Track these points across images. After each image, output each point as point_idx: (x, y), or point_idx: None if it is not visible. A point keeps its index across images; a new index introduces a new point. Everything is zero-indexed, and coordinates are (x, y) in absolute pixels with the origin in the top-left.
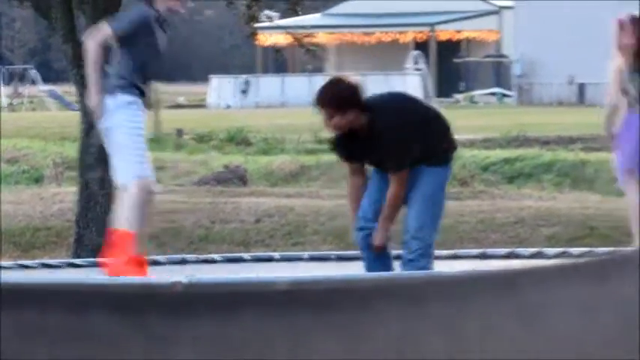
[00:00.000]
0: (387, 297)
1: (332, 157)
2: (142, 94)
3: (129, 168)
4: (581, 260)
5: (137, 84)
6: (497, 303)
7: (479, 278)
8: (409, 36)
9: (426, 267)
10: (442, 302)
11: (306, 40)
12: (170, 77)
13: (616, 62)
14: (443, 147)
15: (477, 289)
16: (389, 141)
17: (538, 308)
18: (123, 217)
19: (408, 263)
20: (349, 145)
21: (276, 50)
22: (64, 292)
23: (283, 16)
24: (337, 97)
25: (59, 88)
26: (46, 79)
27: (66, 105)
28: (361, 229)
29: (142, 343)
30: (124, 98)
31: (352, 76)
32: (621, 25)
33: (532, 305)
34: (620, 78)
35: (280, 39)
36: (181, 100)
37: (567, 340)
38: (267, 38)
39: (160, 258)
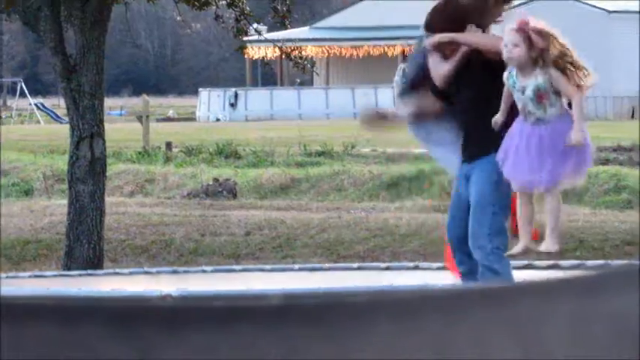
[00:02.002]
0: (379, 310)
1: (321, 170)
2: None
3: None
4: (573, 273)
5: None
6: (487, 317)
7: (470, 292)
8: (397, 49)
9: (499, 271)
10: (433, 316)
11: (294, 53)
12: (159, 90)
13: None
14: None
15: (468, 302)
16: None
17: (529, 322)
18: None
19: (482, 274)
20: None
21: (265, 63)
22: (54, 305)
23: (271, 29)
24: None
25: (48, 101)
26: (35, 92)
27: (55, 118)
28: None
29: (132, 355)
30: None
31: None
32: (515, 33)
33: (523, 319)
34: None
35: (269, 52)
36: (171, 113)
37: (558, 354)
38: (256, 52)
39: (151, 270)
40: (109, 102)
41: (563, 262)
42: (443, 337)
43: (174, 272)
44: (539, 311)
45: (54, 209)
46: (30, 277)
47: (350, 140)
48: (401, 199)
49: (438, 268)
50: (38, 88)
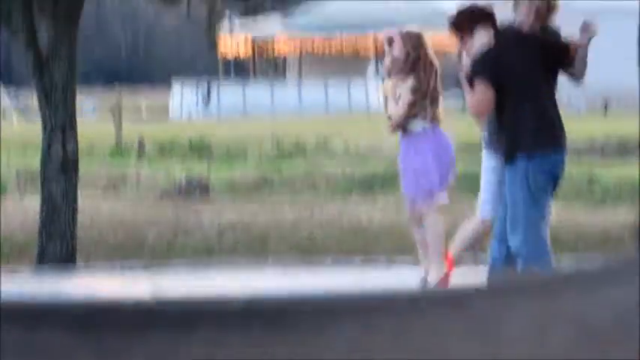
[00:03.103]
0: (340, 312)
1: (294, 168)
2: None
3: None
4: (532, 275)
5: None
6: (447, 318)
7: (429, 293)
8: (370, 45)
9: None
10: (392, 317)
11: (267, 48)
12: (133, 84)
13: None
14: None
15: (428, 304)
16: None
17: (488, 324)
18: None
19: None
20: None
21: (238, 59)
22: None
23: (244, 25)
24: None
25: (21, 97)
26: (8, 87)
27: (27, 115)
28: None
29: (96, 357)
30: None
31: None
32: (389, 40)
33: (482, 321)
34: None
35: (241, 48)
36: (143, 109)
37: (518, 357)
38: (229, 47)
39: (123, 269)
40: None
41: None
42: (403, 337)
43: (147, 270)
44: (498, 313)
45: (27, 208)
46: (3, 274)
47: (323, 136)
48: (374, 196)
49: (410, 266)
50: (10, 83)
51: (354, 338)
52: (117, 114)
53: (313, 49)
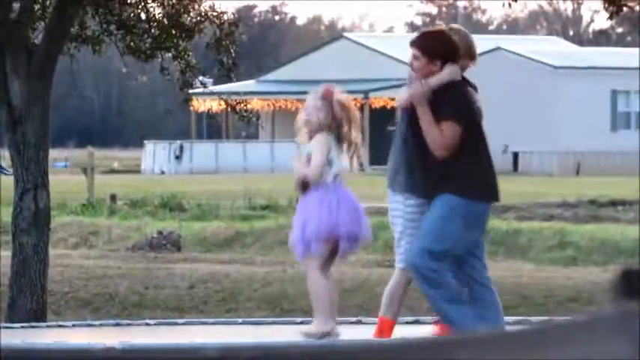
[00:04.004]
0: None
1: (266, 224)
2: None
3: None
4: (515, 328)
5: None
6: None
7: (410, 345)
8: None
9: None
10: None
11: (240, 106)
12: (105, 142)
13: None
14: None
15: (409, 355)
16: None
17: None
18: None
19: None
20: None
21: (210, 116)
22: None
23: (217, 82)
24: None
25: None
26: None
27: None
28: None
29: None
30: None
31: None
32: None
33: None
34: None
35: (214, 105)
36: (115, 165)
37: None
38: (202, 104)
39: (94, 323)
40: (54, 153)
41: (505, 318)
42: None
43: (118, 325)
44: None
45: None
46: None
47: (294, 194)
48: None
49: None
50: None
51: None
52: (89, 169)
53: (286, 106)
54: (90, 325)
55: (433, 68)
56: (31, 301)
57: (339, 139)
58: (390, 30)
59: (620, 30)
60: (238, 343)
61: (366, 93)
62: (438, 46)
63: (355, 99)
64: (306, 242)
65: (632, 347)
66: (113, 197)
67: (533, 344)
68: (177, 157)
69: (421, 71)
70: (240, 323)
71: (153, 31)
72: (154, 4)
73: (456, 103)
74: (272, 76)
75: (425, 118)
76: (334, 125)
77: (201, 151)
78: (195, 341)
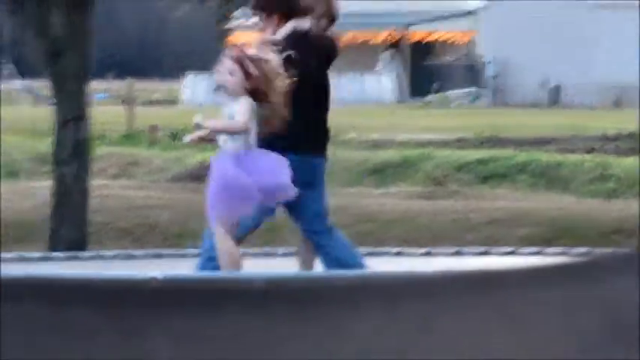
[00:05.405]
0: (364, 294)
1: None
2: None
3: None
4: (561, 261)
5: None
6: (474, 303)
7: (456, 278)
8: (382, 36)
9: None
10: (418, 301)
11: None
12: (144, 73)
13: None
14: None
15: (454, 288)
16: None
17: (516, 309)
18: None
19: None
20: None
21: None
22: (40, 286)
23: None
24: None
25: (34, 83)
26: (21, 74)
27: (41, 100)
28: None
29: (118, 337)
30: None
31: None
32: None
33: (511, 306)
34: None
35: (254, 38)
36: (155, 96)
37: (547, 341)
38: (240, 38)
39: (136, 253)
40: (93, 84)
41: (548, 250)
42: (428, 321)
43: (159, 255)
44: (527, 297)
45: (38, 191)
46: (13, 258)
47: (335, 126)
48: (385, 185)
49: (422, 255)
50: (24, 70)
51: (376, 320)
52: (129, 100)
53: None
54: (130, 256)
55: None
56: (71, 231)
57: (258, 100)
58: None
59: None
60: (284, 273)
61: (405, 26)
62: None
63: (395, 32)
64: (212, 210)
65: None
66: (153, 128)
67: (580, 277)
68: (217, 89)
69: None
70: (281, 255)
71: None
72: None
73: None
74: None
75: None
76: (252, 87)
77: None
78: (236, 272)
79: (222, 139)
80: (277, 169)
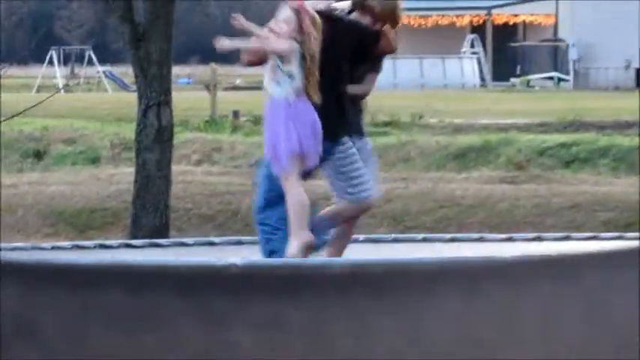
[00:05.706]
0: (445, 279)
1: (388, 140)
2: None
3: None
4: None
5: None
6: (557, 287)
7: (538, 262)
8: (466, 19)
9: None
10: (500, 285)
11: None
12: (227, 59)
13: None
14: None
15: (536, 272)
16: None
17: (599, 292)
18: None
19: None
20: None
21: None
22: (123, 273)
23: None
24: None
25: (116, 69)
26: (103, 60)
27: (123, 86)
28: None
29: (199, 322)
30: None
31: None
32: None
33: (593, 289)
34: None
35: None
36: (238, 81)
37: (629, 324)
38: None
39: (217, 239)
40: (176, 70)
41: (629, 234)
42: (510, 305)
43: (240, 242)
44: (608, 280)
45: (120, 177)
46: (95, 246)
47: (417, 111)
48: (467, 169)
49: (504, 240)
50: (106, 56)
51: (458, 305)
52: (212, 86)
53: (409, 22)
54: (212, 243)
55: None
56: (154, 217)
57: (302, 55)
58: None
59: None
60: (365, 259)
61: (488, 9)
62: None
63: (477, 15)
64: (279, 160)
65: None
66: (236, 113)
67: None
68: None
69: None
70: (362, 241)
71: None
72: None
73: None
74: None
75: None
76: (300, 39)
77: None
78: (317, 258)
79: (266, 78)
80: (320, 133)
